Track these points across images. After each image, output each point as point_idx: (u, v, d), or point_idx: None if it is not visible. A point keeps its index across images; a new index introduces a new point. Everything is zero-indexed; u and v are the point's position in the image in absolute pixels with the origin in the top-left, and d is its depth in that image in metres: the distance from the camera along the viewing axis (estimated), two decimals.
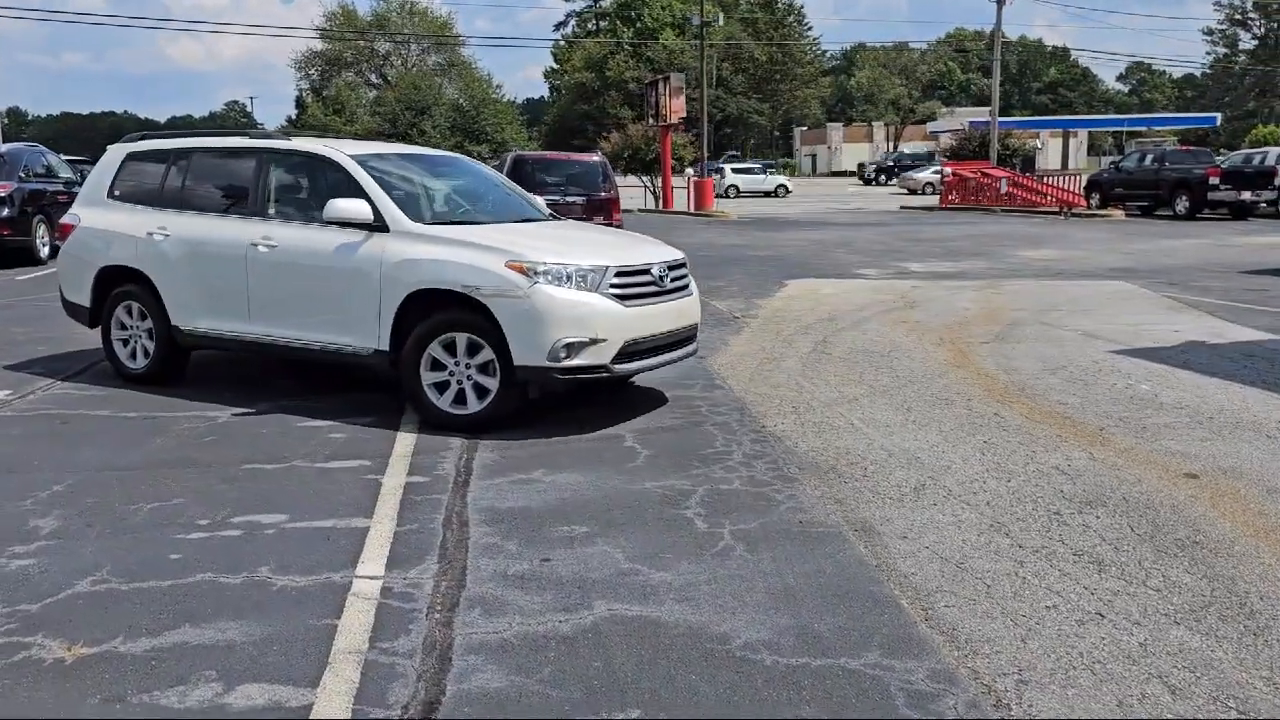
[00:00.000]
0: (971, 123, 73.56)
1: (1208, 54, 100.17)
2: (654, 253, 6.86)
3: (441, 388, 6.44)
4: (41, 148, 17.69)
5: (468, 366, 6.35)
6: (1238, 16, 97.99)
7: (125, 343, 7.80)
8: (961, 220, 29.37)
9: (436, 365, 6.42)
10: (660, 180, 35.72)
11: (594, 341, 6.19)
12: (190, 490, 5.24)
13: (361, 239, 6.60)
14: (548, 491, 5.24)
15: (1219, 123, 79.76)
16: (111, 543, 4.50)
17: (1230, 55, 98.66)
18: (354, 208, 6.52)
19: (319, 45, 62.62)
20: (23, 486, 5.29)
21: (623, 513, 4.92)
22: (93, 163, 20.59)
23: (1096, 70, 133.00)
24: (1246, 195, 26.98)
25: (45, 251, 16.23)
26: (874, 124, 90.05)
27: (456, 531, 4.66)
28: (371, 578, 4.11)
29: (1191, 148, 33.57)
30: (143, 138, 8.11)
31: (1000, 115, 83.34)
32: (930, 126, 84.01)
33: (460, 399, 6.40)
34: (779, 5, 64.45)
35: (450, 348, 6.37)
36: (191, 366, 7.98)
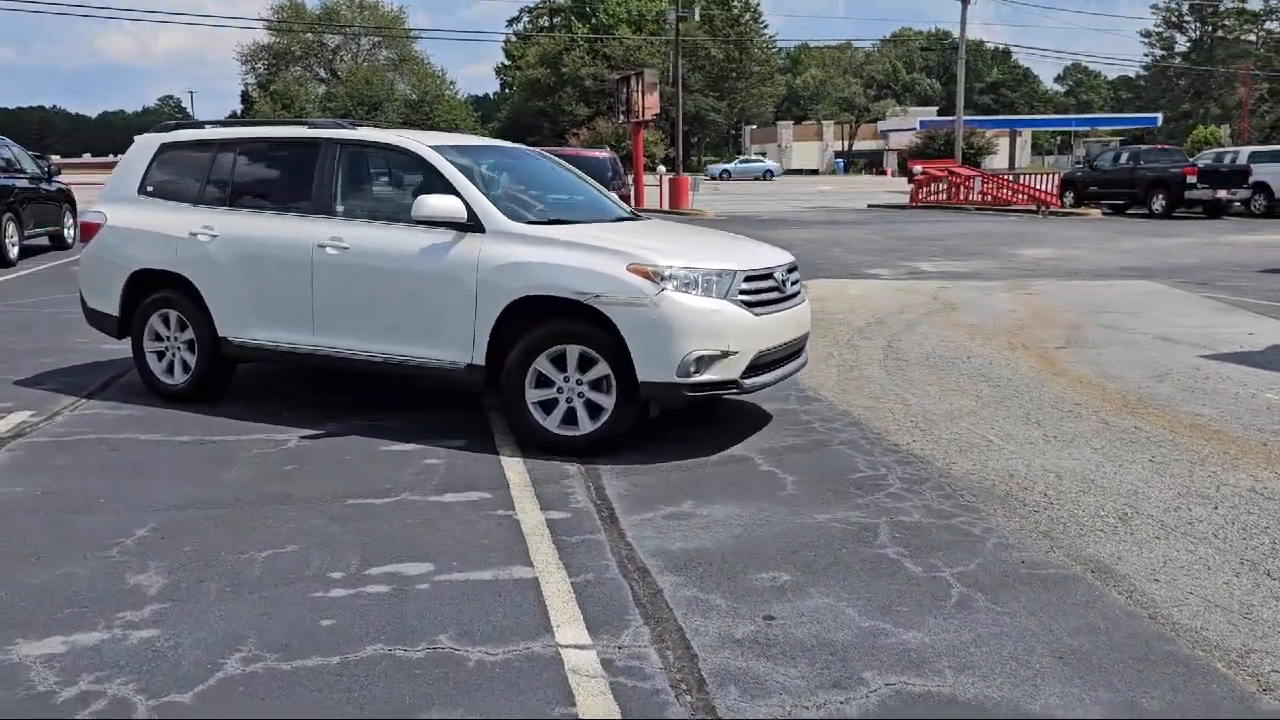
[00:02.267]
0: (922, 122, 74.22)
1: (1145, 55, 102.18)
2: (771, 255, 6.24)
3: (547, 406, 5.76)
4: (6, 139, 16.49)
5: (579, 383, 5.68)
6: (1174, 20, 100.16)
7: (160, 355, 6.98)
8: (939, 219, 29.17)
9: (542, 381, 5.74)
10: (632, 178, 35.02)
11: (725, 354, 5.56)
12: (300, 533, 4.50)
13: (451, 240, 5.89)
14: (712, 528, 4.60)
15: (1159, 123, 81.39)
16: (240, 605, 3.77)
17: (1166, 57, 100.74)
18: (447, 205, 5.80)
19: (265, 39, 60.94)
20: (100, 531, 4.52)
21: (814, 554, 4.31)
22: (44, 158, 19.44)
23: (1035, 71, 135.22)
24: (1222, 194, 27.14)
25: (15, 253, 15.09)
26: (824, 123, 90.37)
27: (641, 582, 4.00)
28: (579, 647, 3.45)
29: (1165, 146, 33.81)
30: (177, 126, 7.27)
31: (947, 115, 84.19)
32: (881, 125, 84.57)
33: (570, 419, 5.73)
34: (735, 3, 64.09)
35: (558, 362, 5.70)
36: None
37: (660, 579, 4.03)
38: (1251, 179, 27.42)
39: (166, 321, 6.91)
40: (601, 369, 5.61)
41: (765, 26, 67.12)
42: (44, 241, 17.23)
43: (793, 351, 6.24)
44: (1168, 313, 11.23)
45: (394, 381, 7.15)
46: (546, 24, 66.97)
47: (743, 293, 5.70)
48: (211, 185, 6.80)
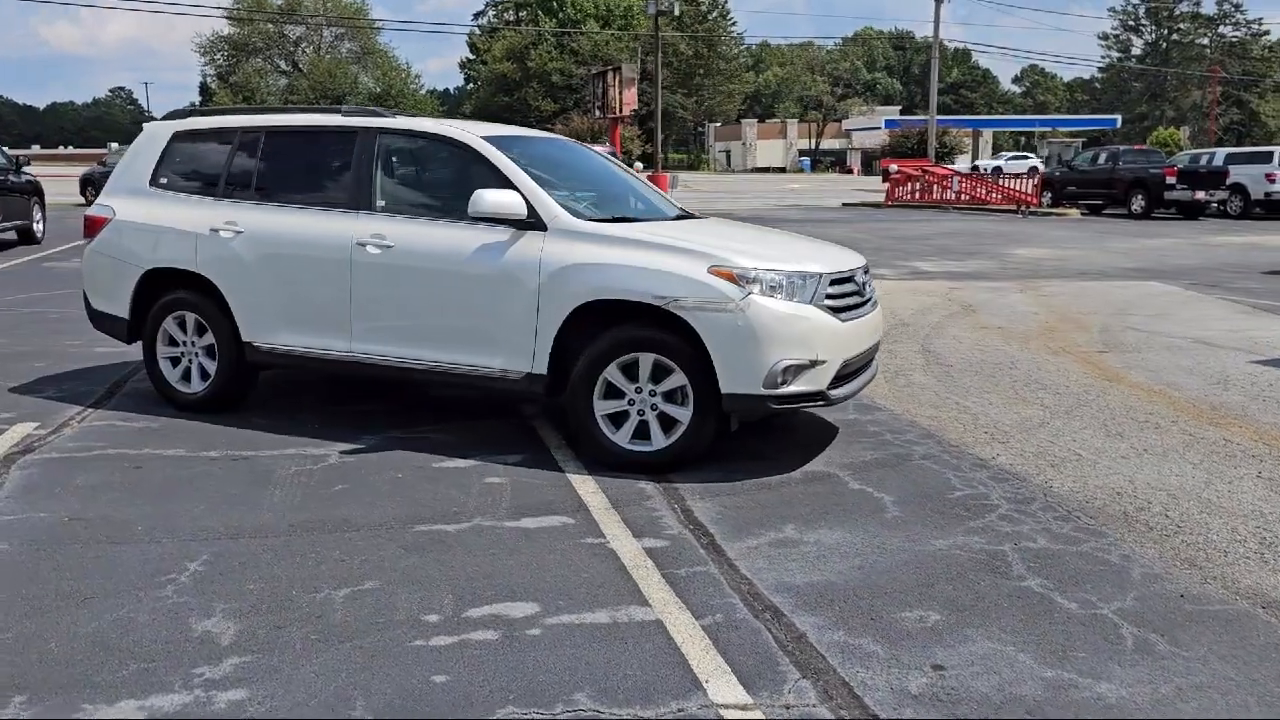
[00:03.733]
0: (887, 121, 74.51)
1: (1103, 58, 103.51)
2: (848, 256, 5.84)
3: (617, 419, 5.31)
4: None
5: (652, 394, 5.24)
6: (1131, 22, 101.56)
7: (175, 361, 6.43)
8: (921, 218, 29.02)
9: (611, 393, 5.30)
10: None
11: (813, 363, 5.15)
12: (375, 567, 4.02)
13: (509, 239, 5.42)
14: (828, 558, 4.19)
15: (1118, 125, 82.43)
16: (333, 657, 3.29)
17: (1123, 59, 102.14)
18: (507, 201, 5.33)
19: (225, 29, 59.44)
20: (147, 564, 4.01)
21: (952, 587, 3.91)
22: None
23: (994, 72, 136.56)
24: (1200, 195, 27.23)
25: None
26: (787, 121, 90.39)
27: (777, 624, 3.58)
28: (741, 708, 3.01)
29: (1143, 147, 33.96)
30: (193, 112, 6.71)
31: (909, 115, 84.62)
32: (846, 124, 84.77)
33: (642, 433, 5.29)
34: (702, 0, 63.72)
35: (629, 371, 5.26)
36: None
37: (797, 619, 3.61)
38: (1228, 181, 27.54)
39: (183, 325, 6.36)
40: (677, 379, 5.18)
41: (733, 24, 66.86)
42: (11, 236, 16.42)
43: (869, 360, 5.85)
44: (1192, 316, 11.01)
45: (434, 390, 6.66)
46: (512, 18, 66.16)
47: (829, 297, 5.30)
48: (234, 177, 6.26)
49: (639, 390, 5.26)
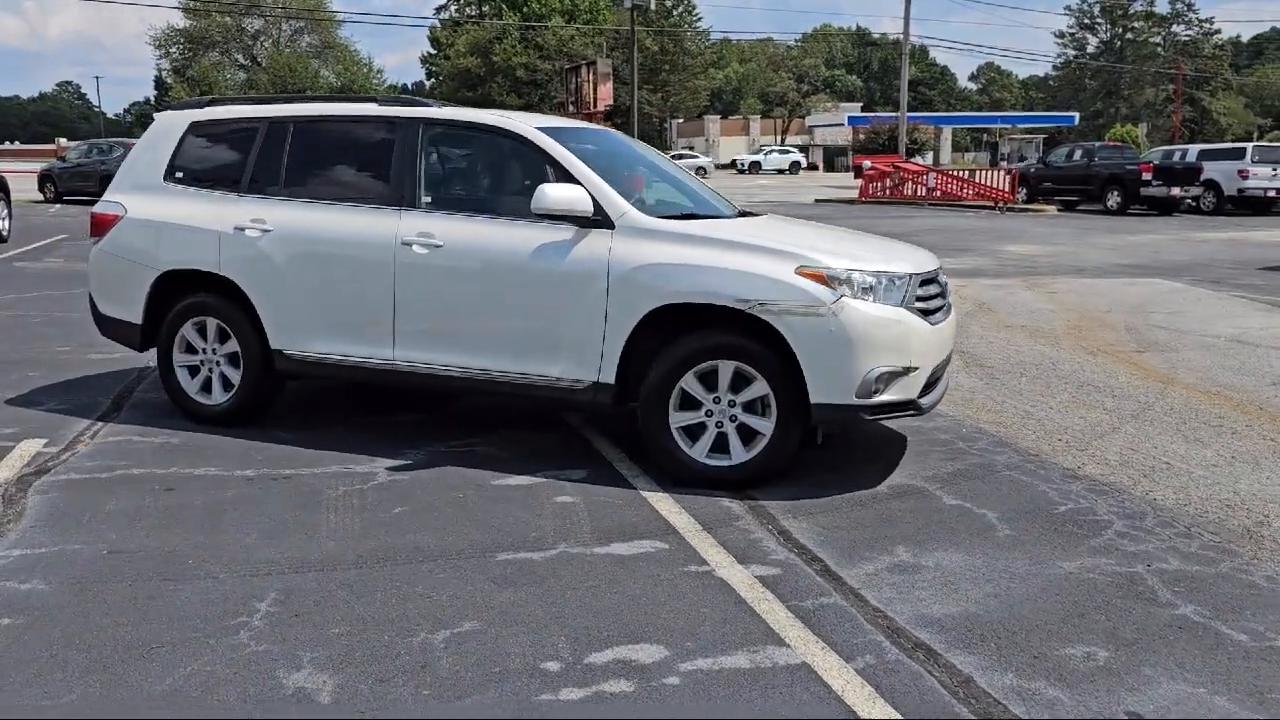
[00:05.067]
0: (850, 118, 74.67)
1: (1059, 56, 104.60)
2: (925, 256, 5.50)
3: (693, 432, 4.94)
4: None
5: (731, 404, 4.87)
6: (1086, 21, 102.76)
7: (194, 371, 5.94)
8: (899, 214, 28.88)
9: (686, 403, 4.92)
10: None
11: (907, 370, 4.81)
12: (469, 604, 3.62)
13: (572, 237, 5.02)
14: (957, 585, 3.85)
15: (1076, 121, 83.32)
16: (458, 715, 2.88)
17: (1079, 57, 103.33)
18: (572, 197, 4.93)
19: (180, 22, 57.95)
20: (210, 605, 3.56)
21: (1107, 618, 3.59)
22: None
23: (952, 69, 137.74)
24: (1176, 191, 27.34)
25: None
26: (750, 117, 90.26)
27: (936, 666, 3.23)
28: None
29: (1117, 144, 34.12)
30: (211, 101, 6.21)
31: (870, 111, 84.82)
32: (809, 121, 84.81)
33: (720, 446, 4.92)
34: None
35: (706, 380, 4.88)
36: None
37: (955, 659, 3.26)
38: (1202, 177, 27.69)
39: (203, 331, 5.88)
40: (758, 388, 4.82)
41: (699, 19, 66.55)
42: None
43: (945, 366, 5.53)
44: (1210, 313, 10.84)
45: (465, 399, 6.24)
46: (475, 12, 65.32)
47: (919, 299, 4.96)
48: (260, 171, 5.78)
49: (717, 401, 4.88)
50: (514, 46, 57.45)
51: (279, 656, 3.22)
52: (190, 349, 5.92)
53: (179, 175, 5.98)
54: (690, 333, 4.88)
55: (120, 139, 32.42)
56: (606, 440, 5.73)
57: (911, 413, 4.94)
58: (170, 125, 6.11)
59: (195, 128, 6.03)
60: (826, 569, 3.99)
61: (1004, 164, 41.76)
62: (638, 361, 4.98)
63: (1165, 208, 28.12)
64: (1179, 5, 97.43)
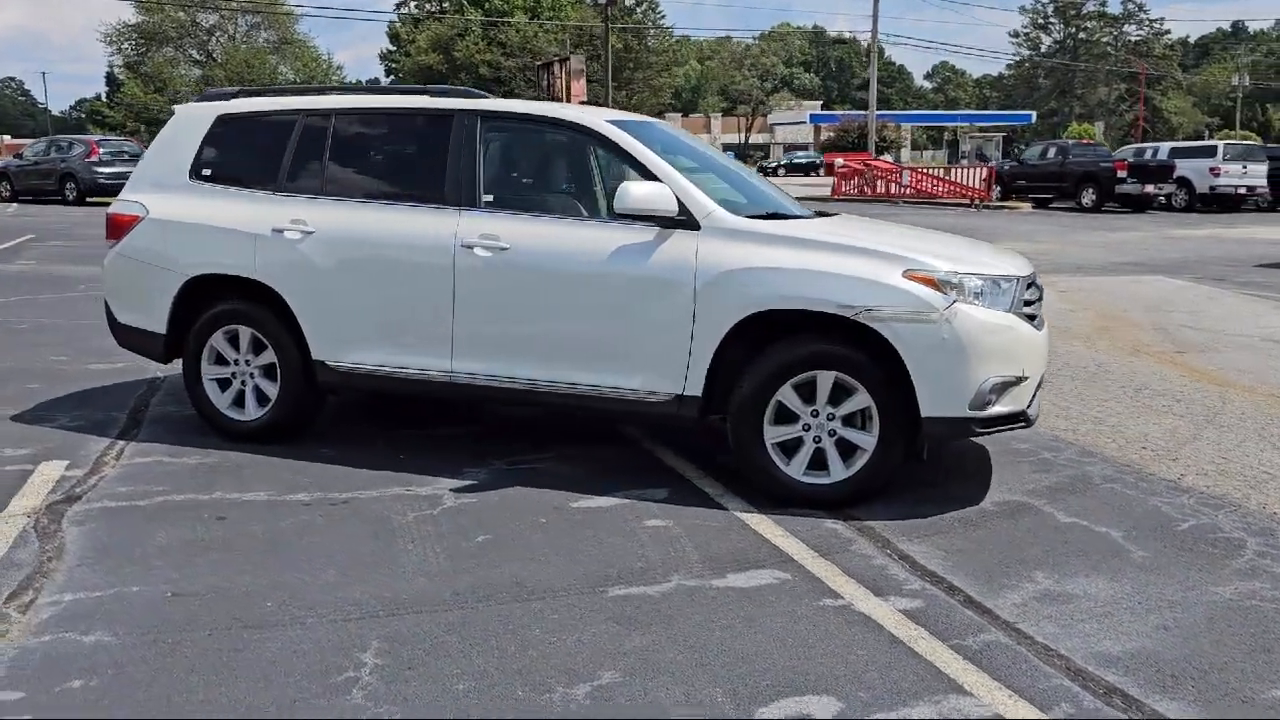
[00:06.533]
0: (812, 116, 74.82)
1: (1014, 55, 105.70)
2: (1020, 259, 5.19)
3: (789, 449, 4.59)
4: None
5: (830, 418, 4.53)
6: (1040, 21, 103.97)
7: (224, 384, 5.48)
8: (875, 212, 28.66)
9: (782, 417, 4.57)
10: None
11: (1019, 380, 4.51)
12: (598, 649, 3.24)
13: (654, 238, 4.65)
14: (1118, 616, 3.55)
15: (1033, 120, 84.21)
16: None
17: (1034, 57, 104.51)
18: (656, 195, 4.56)
19: (132, 17, 56.34)
20: (307, 658, 3.15)
21: None
22: None
23: (908, 68, 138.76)
24: (1149, 188, 27.52)
25: None
26: (711, 115, 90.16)
27: (1138, 714, 2.90)
28: None
29: (1090, 142, 34.33)
30: (240, 93, 5.74)
31: (830, 110, 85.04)
32: (770, 119, 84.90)
33: (818, 463, 4.57)
34: None
35: (803, 392, 4.53)
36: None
37: (1159, 706, 2.94)
38: (1175, 175, 27.89)
39: (234, 341, 5.42)
40: (859, 400, 4.48)
41: (662, 16, 66.13)
42: None
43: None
44: (1230, 311, 10.72)
45: (504, 410, 5.85)
46: (436, 8, 64.41)
47: (1025, 304, 4.66)
48: (298, 168, 5.34)
49: (815, 414, 4.54)
50: (476, 44, 56.70)
51: None
52: (220, 360, 5.46)
53: (206, 173, 5.51)
54: (780, 341, 4.52)
55: (80, 136, 31.43)
56: (675, 454, 5.38)
57: (1020, 425, 4.64)
58: (194, 119, 5.64)
59: (223, 121, 5.56)
60: (970, 599, 3.66)
61: (964, 161, 41.89)
62: (722, 373, 4.62)
63: (1138, 205, 28.29)
64: (1130, 5, 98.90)
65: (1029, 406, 4.65)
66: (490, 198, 5.00)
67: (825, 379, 4.49)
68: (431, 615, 3.47)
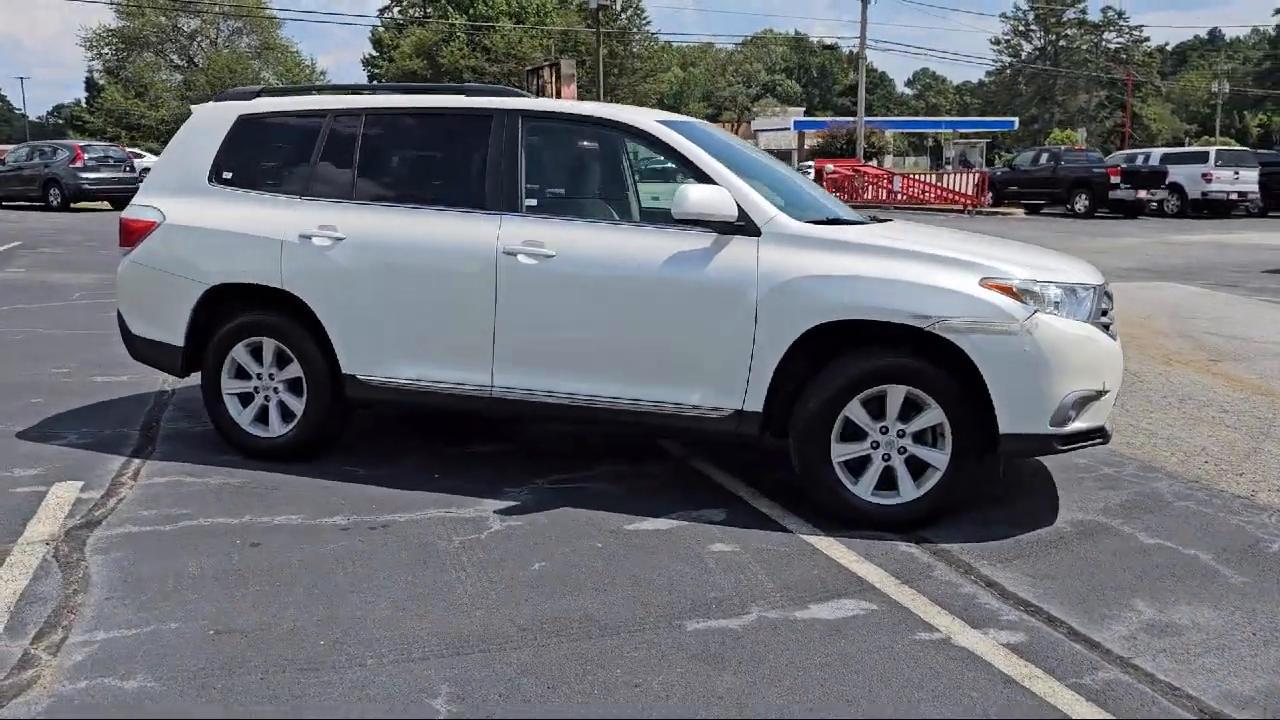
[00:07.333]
0: (796, 123, 74.77)
1: (995, 62, 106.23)
2: (1091, 267, 4.95)
3: (856, 467, 4.33)
4: None
5: (900, 434, 4.28)
6: (1021, 28, 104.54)
7: (246, 399, 5.19)
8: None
9: (849, 434, 4.32)
10: None
11: (1099, 394, 4.28)
12: (689, 691, 2.97)
13: (711, 245, 4.40)
14: (1236, 650, 3.32)
15: (1016, 126, 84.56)
16: None
17: (1015, 63, 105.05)
18: (716, 200, 4.31)
19: (112, 22, 55.63)
20: (372, 703, 2.87)
21: None
22: None
23: (890, 75, 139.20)
24: (1142, 194, 27.49)
25: None
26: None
27: None
28: None
29: (1081, 148, 34.35)
30: (262, 92, 5.45)
31: (810, 116, 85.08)
32: (754, 125, 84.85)
33: (887, 482, 4.32)
34: None
35: (872, 407, 4.28)
36: None
37: None
38: (1167, 180, 27.89)
39: (258, 354, 5.13)
40: (932, 416, 4.23)
41: (648, 22, 66.00)
42: None
43: None
44: (1252, 318, 10.55)
45: (532, 424, 5.58)
46: (420, 13, 64.00)
47: (1103, 314, 4.43)
48: (326, 171, 5.06)
49: (884, 430, 4.29)
50: (461, 49, 56.33)
51: None
52: (242, 374, 5.17)
53: (227, 176, 5.22)
54: (846, 354, 4.28)
55: (64, 141, 30.92)
56: (722, 471, 5.12)
57: (1099, 441, 4.40)
58: (214, 120, 5.35)
59: (245, 121, 5.27)
60: (1075, 632, 3.42)
61: (948, 167, 41.85)
62: (784, 386, 4.36)
63: (1131, 211, 28.27)
64: (1110, 13, 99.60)
65: (1107, 421, 4.41)
66: (533, 202, 4.74)
67: (896, 394, 4.24)
68: (500, 654, 3.19)
